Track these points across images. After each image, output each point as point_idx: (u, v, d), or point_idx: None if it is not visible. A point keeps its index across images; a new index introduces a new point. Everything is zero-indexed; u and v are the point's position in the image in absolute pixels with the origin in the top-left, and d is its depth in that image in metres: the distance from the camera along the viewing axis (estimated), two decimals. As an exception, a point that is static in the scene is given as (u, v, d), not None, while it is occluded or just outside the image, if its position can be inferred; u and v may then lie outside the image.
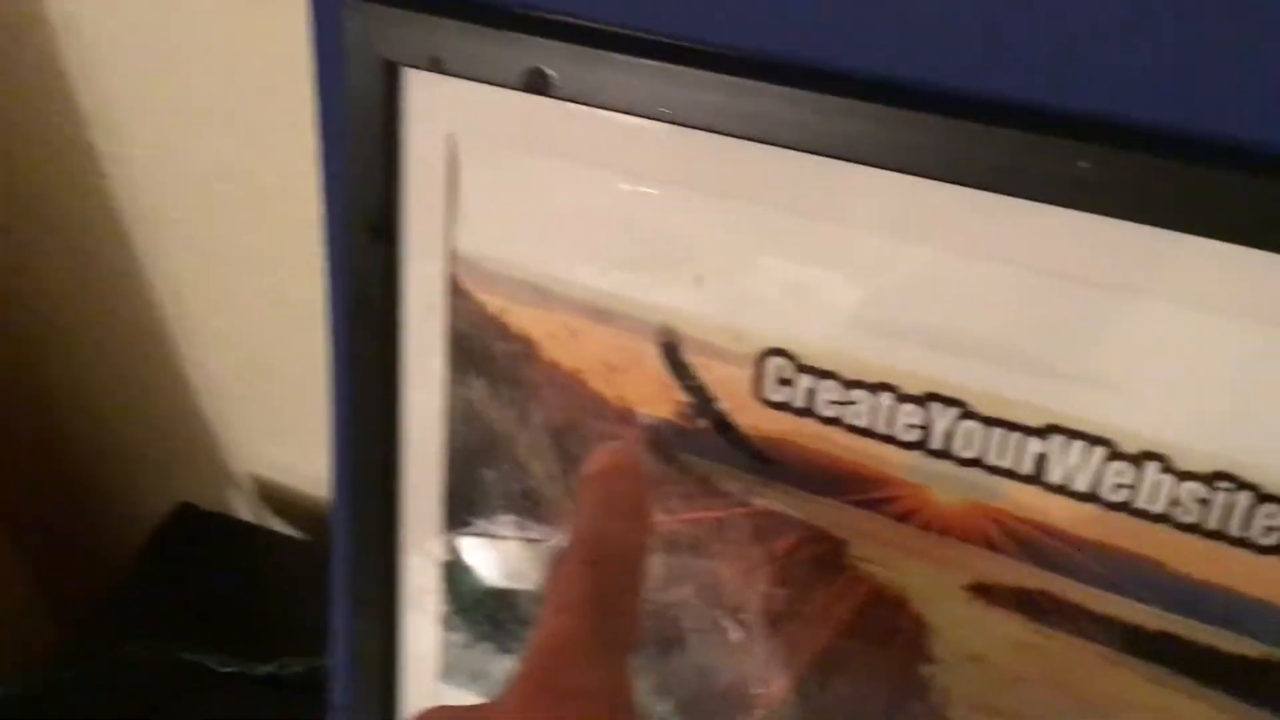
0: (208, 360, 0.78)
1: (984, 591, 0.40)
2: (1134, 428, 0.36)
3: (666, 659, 0.47)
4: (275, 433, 0.78)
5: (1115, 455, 0.36)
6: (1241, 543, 0.35)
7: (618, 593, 0.35)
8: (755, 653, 0.45)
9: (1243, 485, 0.35)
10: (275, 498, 0.81)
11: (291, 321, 0.69)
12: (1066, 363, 0.36)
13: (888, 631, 0.42)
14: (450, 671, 0.52)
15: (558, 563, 0.35)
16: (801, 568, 0.43)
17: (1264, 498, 0.34)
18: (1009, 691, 0.41)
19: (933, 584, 0.41)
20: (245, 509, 0.83)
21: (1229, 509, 0.35)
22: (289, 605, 0.59)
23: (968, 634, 0.41)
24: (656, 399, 0.43)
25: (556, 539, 0.47)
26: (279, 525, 0.81)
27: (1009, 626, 0.40)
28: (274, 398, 0.75)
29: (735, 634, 0.45)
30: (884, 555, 0.41)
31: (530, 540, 0.47)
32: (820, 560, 0.42)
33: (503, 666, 0.51)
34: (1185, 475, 0.35)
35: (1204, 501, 0.35)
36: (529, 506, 0.47)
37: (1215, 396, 0.34)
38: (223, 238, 0.71)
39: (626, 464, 0.39)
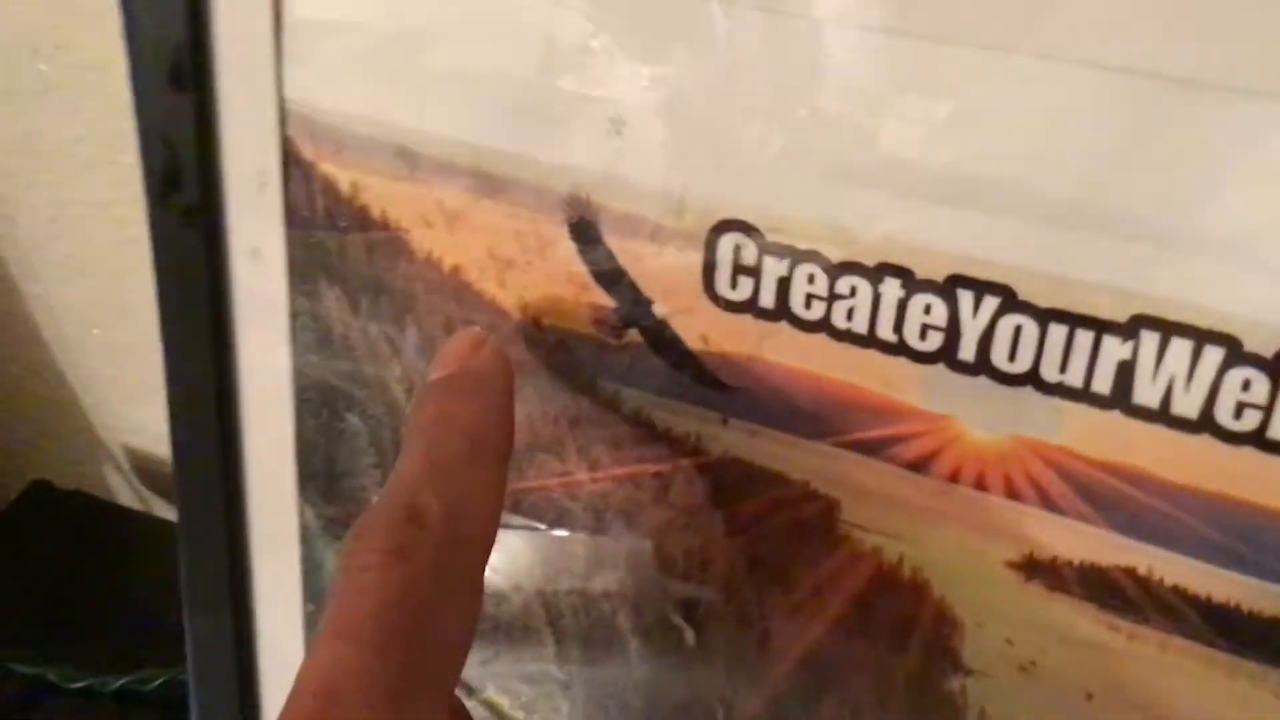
0: (52, 299, 0.64)
1: (1038, 570, 0.27)
2: (1267, 315, 0.23)
3: (598, 672, 0.34)
4: (147, 391, 0.64)
5: (1238, 358, 0.23)
6: None
7: (439, 598, 0.23)
8: (717, 662, 0.32)
9: None
10: (149, 472, 0.68)
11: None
12: (1163, 218, 0.23)
13: (900, 628, 0.30)
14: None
15: (350, 540, 0.23)
16: (778, 541, 0.30)
17: None
18: (1071, 712, 0.28)
19: (963, 560, 0.28)
20: (112, 486, 0.69)
21: None
22: (157, 604, 0.46)
23: (1013, 632, 0.28)
24: (568, 304, 0.30)
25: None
26: (157, 506, 0.68)
27: (1074, 620, 0.27)
28: (143, 347, 0.62)
29: (690, 636, 0.32)
30: (893, 520, 0.29)
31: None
32: (804, 529, 0.30)
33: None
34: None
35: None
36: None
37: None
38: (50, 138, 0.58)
39: (482, 368, 0.26)
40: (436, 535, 0.23)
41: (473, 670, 0.37)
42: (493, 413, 0.26)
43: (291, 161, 0.32)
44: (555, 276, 0.30)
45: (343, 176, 0.32)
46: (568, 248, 0.30)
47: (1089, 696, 0.28)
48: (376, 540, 0.23)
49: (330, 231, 0.32)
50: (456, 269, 0.31)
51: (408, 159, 0.31)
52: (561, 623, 0.35)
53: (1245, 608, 0.26)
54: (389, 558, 0.22)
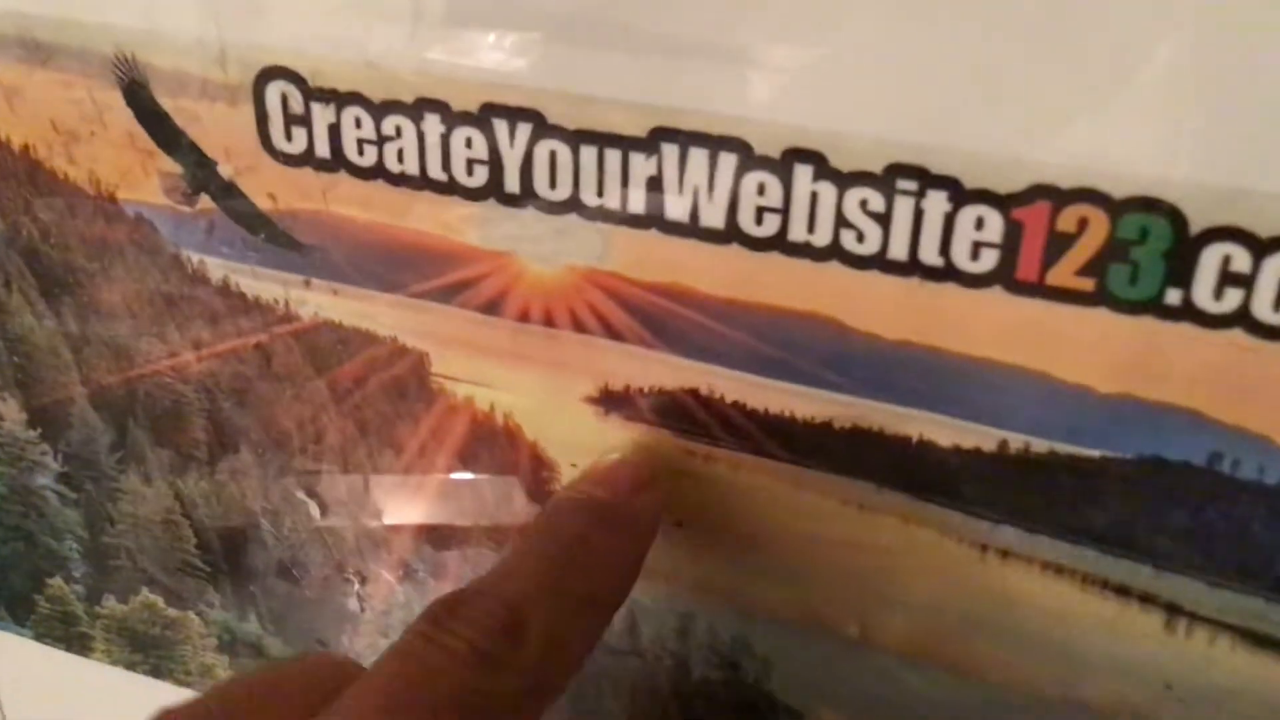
0: None
1: (614, 402, 0.27)
2: (771, 115, 0.23)
3: (241, 559, 0.34)
4: None
5: (751, 162, 0.23)
6: (944, 273, 0.23)
7: None
8: (346, 533, 0.32)
9: (932, 181, 0.22)
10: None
11: None
12: (667, 26, 0.23)
13: (504, 475, 0.29)
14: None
15: (441, 610, 0.22)
16: (380, 402, 0.30)
17: (964, 196, 0.22)
18: (663, 542, 0.28)
19: (546, 400, 0.28)
20: None
21: (918, 221, 0.23)
22: None
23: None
24: (138, 174, 0.29)
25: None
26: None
27: (654, 448, 0.27)
28: None
29: (316, 510, 0.32)
30: (478, 367, 0.28)
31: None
32: (401, 387, 0.29)
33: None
34: (851, 178, 0.23)
35: (883, 216, 0.23)
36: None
37: (884, 56, 0.22)
38: None
39: (640, 515, 0.26)
40: (528, 662, 0.21)
41: (132, 574, 0.36)
42: (631, 565, 0.24)
43: None
44: (120, 145, 0.29)
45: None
46: (125, 113, 0.28)
47: (678, 524, 0.28)
48: (467, 631, 0.21)
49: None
50: (26, 148, 0.30)
51: (-47, 32, 0.29)
52: (197, 513, 0.34)
53: (799, 416, 0.26)
54: (475, 658, 0.20)
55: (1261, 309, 0.21)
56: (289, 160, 0.27)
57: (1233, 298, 0.21)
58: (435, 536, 0.31)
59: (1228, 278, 0.21)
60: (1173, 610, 0.25)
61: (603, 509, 0.24)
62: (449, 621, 0.21)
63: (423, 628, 0.21)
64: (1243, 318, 0.21)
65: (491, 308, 0.27)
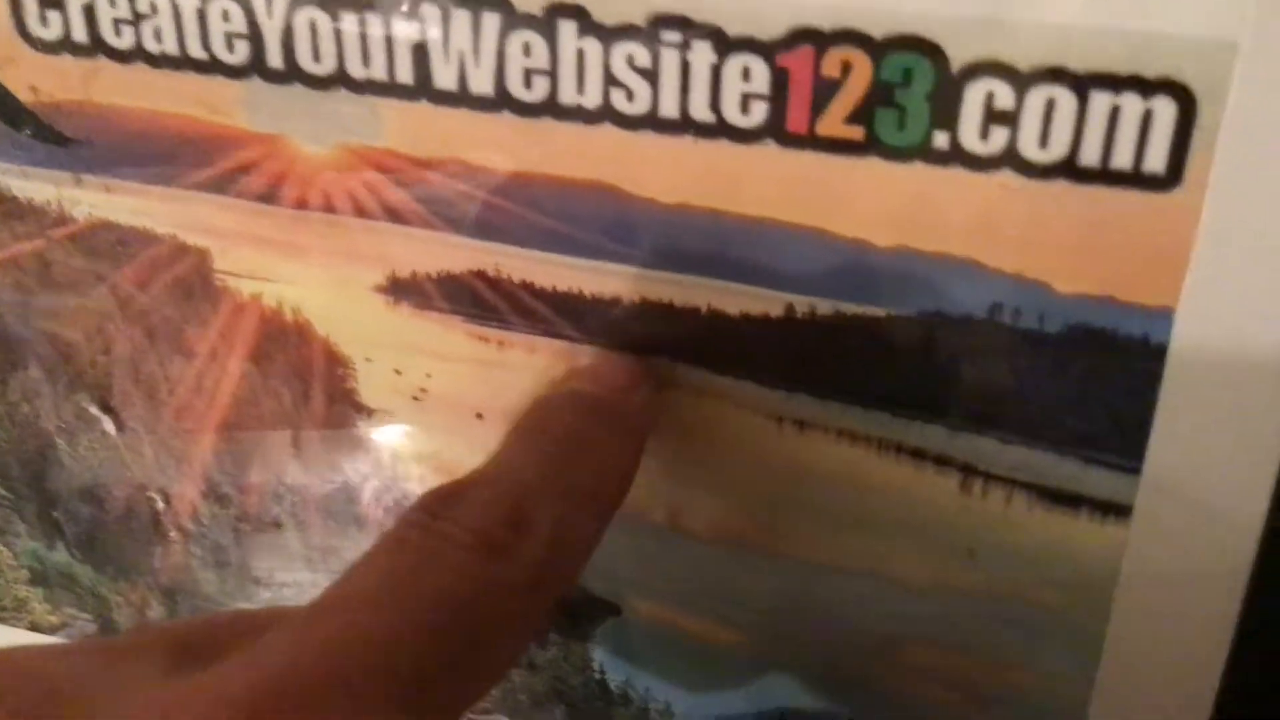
0: None
1: (402, 290, 0.26)
2: (532, -31, 0.22)
3: (40, 485, 0.32)
4: None
5: (512, 21, 0.22)
6: (716, 129, 0.22)
7: (502, 624, 0.19)
8: (144, 449, 0.30)
9: (696, 30, 0.21)
10: None
11: None
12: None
13: (299, 378, 0.28)
14: None
15: (435, 502, 0.20)
16: (166, 305, 0.28)
17: (729, 45, 0.21)
18: (466, 435, 0.27)
19: (334, 292, 0.27)
20: None
21: (685, 75, 0.22)
22: None
23: (398, 360, 0.27)
24: (-113, 69, 0.27)
25: None
26: None
27: (447, 337, 0.26)
28: None
29: (111, 426, 0.30)
30: (261, 262, 0.27)
31: None
32: (186, 287, 0.28)
33: None
34: (615, 32, 0.22)
35: (650, 73, 0.22)
36: None
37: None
38: None
39: (634, 411, 0.24)
40: (534, 556, 0.19)
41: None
42: (629, 464, 0.23)
43: None
44: None
45: None
46: None
47: (479, 416, 0.27)
48: (469, 519, 0.19)
49: None
50: None
51: None
52: (-9, 437, 0.32)
53: (588, 293, 0.25)
54: (482, 547, 0.18)
55: (1028, 147, 0.21)
56: (45, 47, 0.26)
57: (999, 137, 0.21)
58: (237, 449, 0.30)
59: (992, 116, 0.21)
60: (968, 471, 0.24)
61: (598, 404, 0.23)
62: (447, 510, 0.19)
63: (417, 518, 0.19)
64: (1011, 157, 0.21)
65: (268, 196, 0.26)
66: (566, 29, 0.22)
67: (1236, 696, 0.25)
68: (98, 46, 0.26)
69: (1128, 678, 0.25)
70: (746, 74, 0.22)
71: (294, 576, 0.31)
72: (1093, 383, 0.22)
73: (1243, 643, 0.24)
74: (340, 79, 0.24)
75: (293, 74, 0.24)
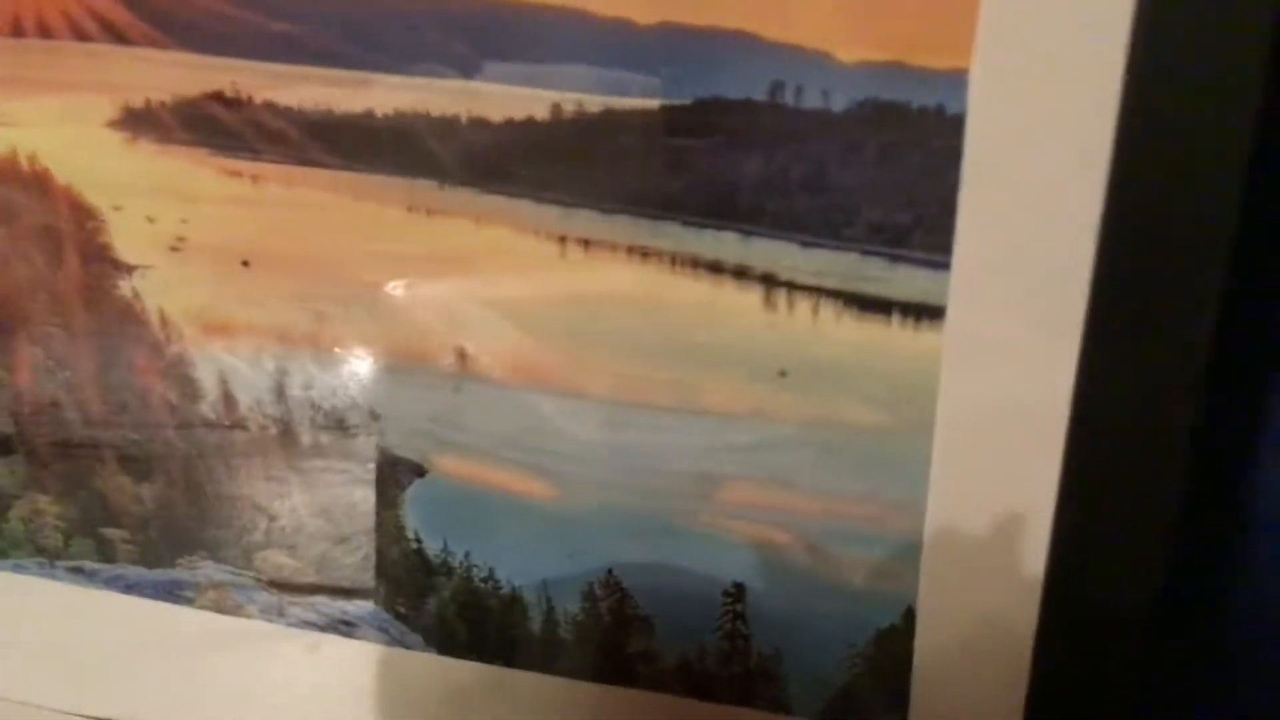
0: None
1: (139, 124, 0.24)
2: None
3: None
4: None
5: None
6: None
7: None
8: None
9: None
10: None
11: None
12: None
13: (48, 239, 0.25)
14: None
15: None
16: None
17: None
18: (236, 285, 0.24)
19: (67, 132, 0.24)
20: None
21: None
22: None
23: (149, 207, 0.24)
24: None
25: None
26: None
27: (195, 174, 0.24)
28: None
29: None
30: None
31: None
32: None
33: None
34: None
35: None
36: None
37: None
38: None
39: None
40: None
41: None
42: None
43: None
44: None
45: None
46: None
47: (245, 264, 0.25)
48: None
49: None
50: None
51: None
52: None
53: (337, 110, 0.22)
54: None
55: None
56: None
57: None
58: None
59: None
60: (769, 282, 0.22)
61: None
62: None
63: None
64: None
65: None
66: None
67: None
68: None
69: (959, 504, 0.22)
70: None
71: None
72: (889, 167, 0.20)
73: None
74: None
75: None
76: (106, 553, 0.30)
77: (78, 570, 0.30)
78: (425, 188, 0.23)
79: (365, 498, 0.27)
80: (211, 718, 0.31)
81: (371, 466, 0.26)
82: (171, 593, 0.30)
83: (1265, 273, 0.21)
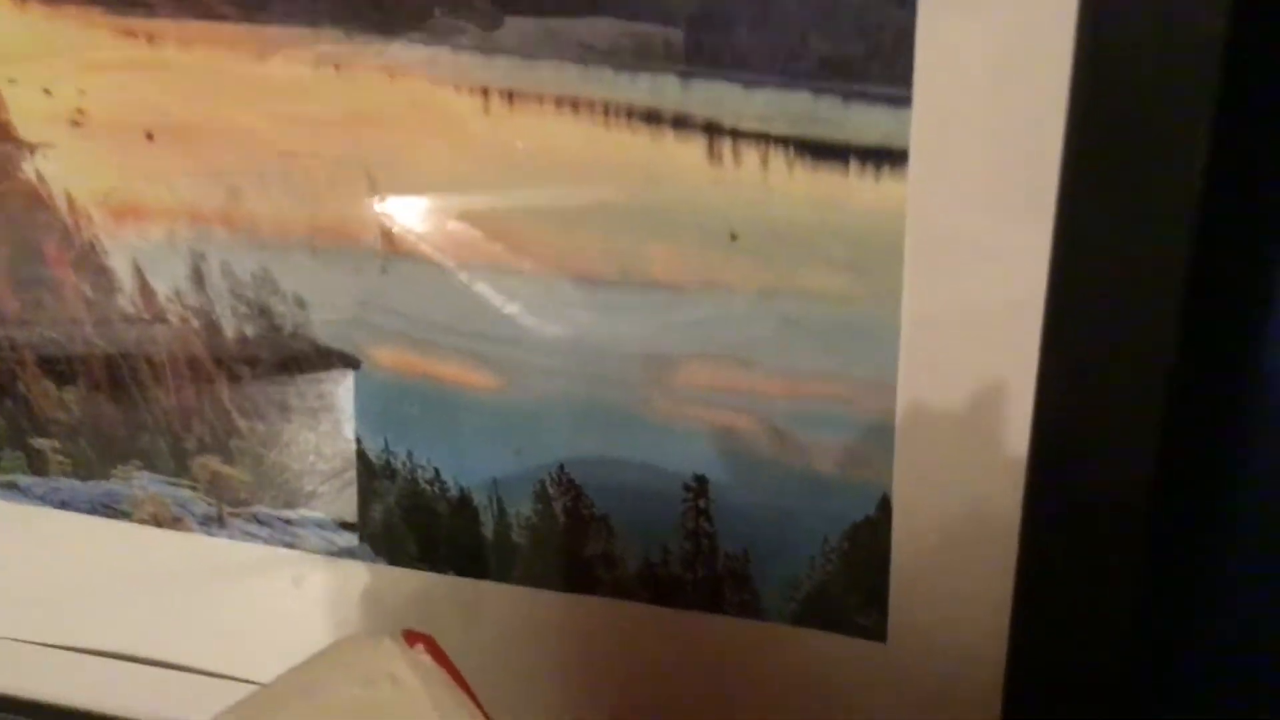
0: None
1: None
2: None
3: None
4: None
5: None
6: None
7: None
8: None
9: None
10: None
11: None
12: None
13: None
14: None
15: None
16: None
17: None
18: (139, 157, 0.22)
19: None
20: None
21: None
22: None
23: (44, 76, 0.22)
24: None
25: None
26: None
27: (91, 38, 0.21)
28: None
29: None
30: None
31: None
32: None
33: None
34: None
35: None
36: None
37: None
38: None
39: None
40: None
41: None
42: None
43: None
44: None
45: None
46: None
47: (150, 137, 0.22)
48: None
49: None
50: None
51: None
52: None
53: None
54: None
55: None
56: None
57: None
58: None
59: None
60: (713, 131, 0.19)
61: None
62: None
63: None
64: None
65: None
66: None
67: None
68: None
69: (932, 380, 0.20)
70: None
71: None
72: (838, -14, 0.17)
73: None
74: None
75: None
76: (38, 465, 0.28)
77: (11, 486, 0.29)
78: (331, 38, 0.20)
79: (300, 395, 0.25)
80: (158, 636, 0.29)
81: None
82: (108, 506, 0.28)
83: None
